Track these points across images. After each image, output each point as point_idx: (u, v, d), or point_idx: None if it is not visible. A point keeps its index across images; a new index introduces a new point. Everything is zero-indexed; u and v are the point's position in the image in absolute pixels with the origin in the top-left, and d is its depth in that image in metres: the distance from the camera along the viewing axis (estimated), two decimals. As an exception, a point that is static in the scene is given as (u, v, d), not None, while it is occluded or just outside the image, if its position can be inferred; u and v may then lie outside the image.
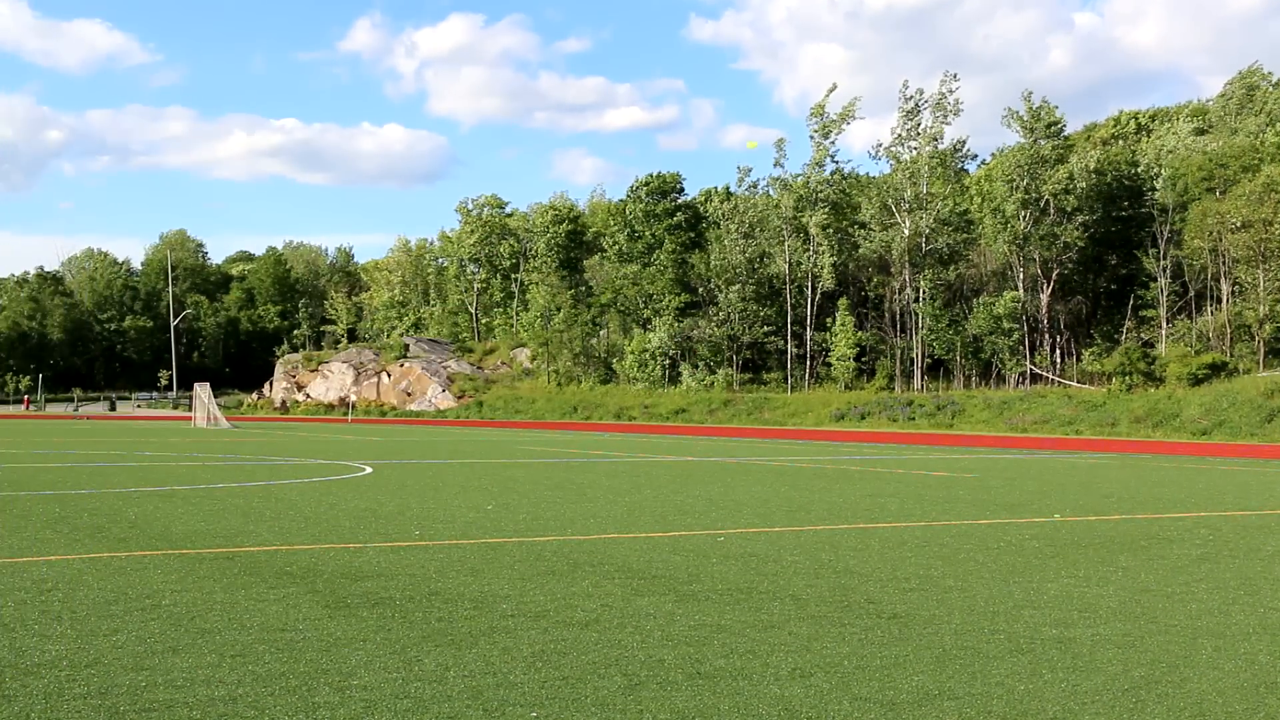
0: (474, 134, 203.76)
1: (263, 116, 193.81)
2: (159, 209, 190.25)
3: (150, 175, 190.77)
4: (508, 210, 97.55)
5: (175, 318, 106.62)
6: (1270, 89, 68.65)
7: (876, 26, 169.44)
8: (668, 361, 70.64)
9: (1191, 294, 56.87)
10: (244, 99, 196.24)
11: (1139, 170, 61.20)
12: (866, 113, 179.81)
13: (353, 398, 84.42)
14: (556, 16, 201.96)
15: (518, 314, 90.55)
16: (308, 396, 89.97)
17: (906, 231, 62.63)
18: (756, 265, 68.36)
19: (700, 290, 70.68)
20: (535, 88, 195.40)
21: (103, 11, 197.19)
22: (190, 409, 70.82)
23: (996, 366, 59.68)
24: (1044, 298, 59.82)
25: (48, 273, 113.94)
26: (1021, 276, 59.88)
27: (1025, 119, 59.72)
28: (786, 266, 66.92)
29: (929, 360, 62.16)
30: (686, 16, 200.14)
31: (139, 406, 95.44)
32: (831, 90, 68.40)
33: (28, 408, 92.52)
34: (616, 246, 76.75)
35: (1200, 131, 66.23)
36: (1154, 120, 76.70)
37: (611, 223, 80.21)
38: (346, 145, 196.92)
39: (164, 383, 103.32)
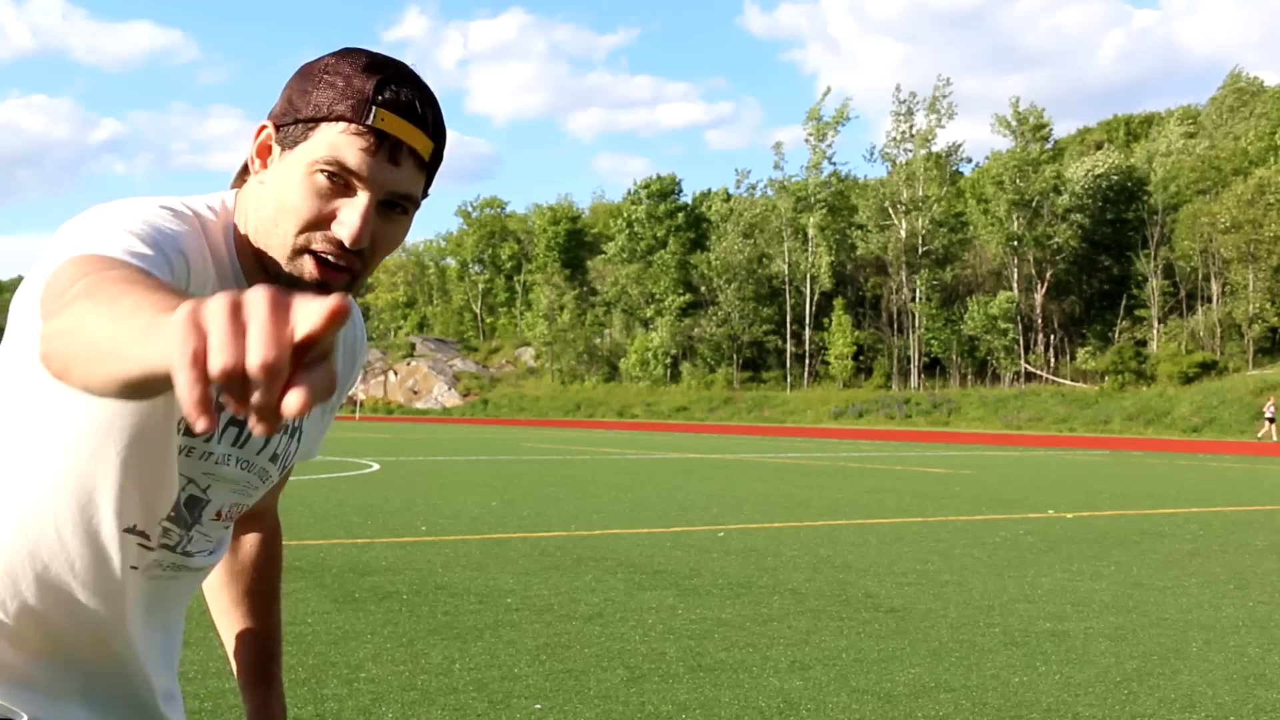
0: (512, 131, 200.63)
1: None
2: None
3: (194, 175, 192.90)
4: (506, 211, 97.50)
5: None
6: (1258, 93, 68.76)
7: (935, 21, 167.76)
8: (669, 360, 70.68)
9: (1183, 294, 57.11)
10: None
11: (1132, 173, 61.39)
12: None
13: (360, 395, 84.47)
14: (602, 12, 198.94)
15: (521, 313, 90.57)
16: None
17: (903, 233, 62.77)
18: (756, 266, 68.47)
19: (702, 290, 70.74)
20: (580, 85, 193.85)
21: (153, 13, 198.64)
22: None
23: (992, 365, 59.83)
24: (1038, 297, 59.97)
25: None
26: (1016, 277, 60.01)
27: (1013, 124, 59.97)
28: (786, 267, 67.02)
29: (925, 359, 62.30)
30: (740, 7, 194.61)
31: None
32: (826, 94, 68.56)
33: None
34: (618, 246, 76.86)
35: (1191, 135, 66.49)
36: (1146, 124, 76.86)
37: (611, 224, 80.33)
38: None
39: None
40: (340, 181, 1.18)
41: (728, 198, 73.64)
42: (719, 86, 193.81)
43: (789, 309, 66.55)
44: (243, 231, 1.27)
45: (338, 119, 1.18)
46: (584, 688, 5.18)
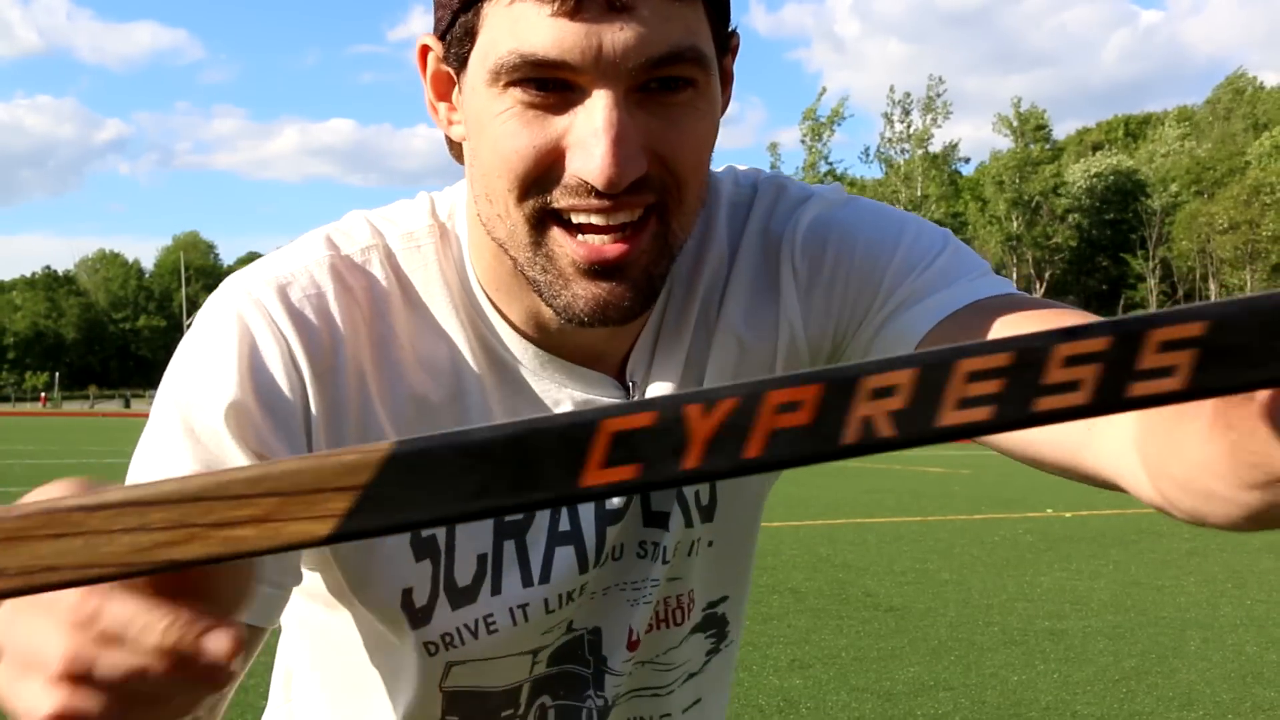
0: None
1: (313, 120, 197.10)
2: (208, 209, 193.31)
3: (197, 175, 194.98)
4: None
5: (187, 317, 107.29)
6: (1255, 93, 68.97)
7: (941, 21, 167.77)
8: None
9: (1180, 294, 57.35)
10: (296, 100, 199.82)
11: (1130, 174, 61.70)
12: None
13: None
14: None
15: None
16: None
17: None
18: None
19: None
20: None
21: (157, 14, 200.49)
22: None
23: (990, 364, 60.13)
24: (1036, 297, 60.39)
25: (58, 273, 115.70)
26: (1014, 277, 60.23)
27: (1014, 124, 60.24)
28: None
29: (924, 358, 62.62)
30: (745, 6, 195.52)
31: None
32: (822, 93, 68.76)
33: (44, 405, 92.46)
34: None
35: (1187, 135, 66.74)
36: (1144, 124, 77.12)
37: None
38: (399, 145, 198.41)
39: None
40: (552, 86, 0.71)
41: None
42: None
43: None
44: (478, 237, 0.82)
45: None
46: (585, 686, 5.20)
